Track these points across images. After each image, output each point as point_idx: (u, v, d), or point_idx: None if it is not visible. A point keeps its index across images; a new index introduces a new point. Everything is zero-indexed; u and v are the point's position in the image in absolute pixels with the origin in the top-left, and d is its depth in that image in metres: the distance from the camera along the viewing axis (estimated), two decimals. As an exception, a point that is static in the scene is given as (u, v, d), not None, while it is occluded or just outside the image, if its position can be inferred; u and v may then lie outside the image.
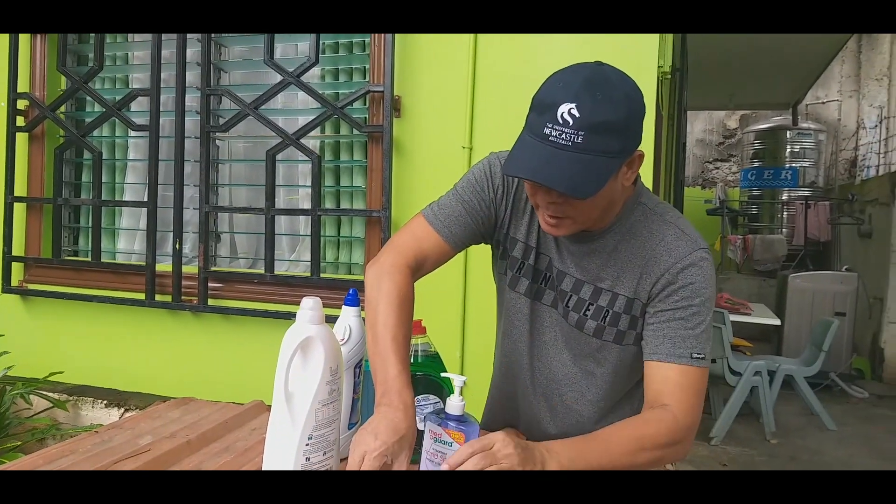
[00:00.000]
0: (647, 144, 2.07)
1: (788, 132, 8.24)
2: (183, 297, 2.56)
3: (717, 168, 9.93)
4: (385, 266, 1.20)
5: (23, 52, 2.76)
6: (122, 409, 1.65)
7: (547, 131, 1.00)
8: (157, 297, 2.58)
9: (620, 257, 1.18)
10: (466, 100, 2.23)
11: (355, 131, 2.40)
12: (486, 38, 2.22)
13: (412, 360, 1.26)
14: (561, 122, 0.99)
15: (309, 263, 2.42)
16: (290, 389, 1.09)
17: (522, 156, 1.03)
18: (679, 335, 1.13)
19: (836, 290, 6.04)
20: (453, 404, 1.12)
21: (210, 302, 2.53)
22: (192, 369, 2.49)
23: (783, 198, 8.31)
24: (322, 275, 2.43)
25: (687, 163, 9.92)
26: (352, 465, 1.02)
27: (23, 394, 1.55)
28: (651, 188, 2.09)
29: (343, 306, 1.31)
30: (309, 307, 1.11)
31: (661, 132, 3.24)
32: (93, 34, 2.69)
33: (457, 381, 1.13)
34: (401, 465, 1.04)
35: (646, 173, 2.09)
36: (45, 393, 1.56)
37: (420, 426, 1.15)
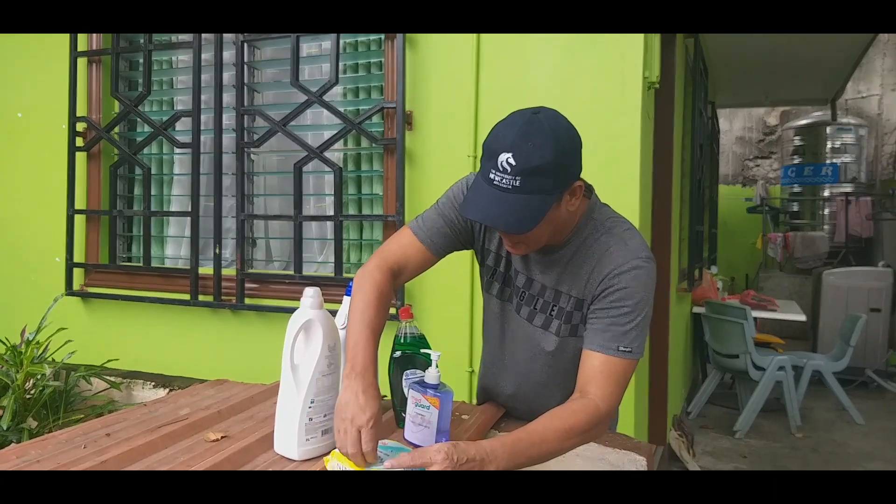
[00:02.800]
0: (631, 151, 2.25)
1: (828, 128, 8.16)
2: (223, 297, 2.84)
3: (758, 165, 9.87)
4: (369, 268, 1.43)
5: (81, 80, 3.09)
6: (167, 389, 1.91)
7: (492, 176, 1.20)
8: (200, 298, 2.87)
9: (575, 265, 1.39)
10: (470, 113, 2.44)
11: (373, 144, 2.63)
12: (487, 57, 2.43)
13: (401, 341, 1.48)
14: (501, 168, 1.19)
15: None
16: (295, 362, 1.33)
17: (474, 199, 1.24)
18: (611, 330, 1.32)
19: (871, 287, 6.03)
20: (431, 374, 1.34)
21: (247, 301, 2.80)
22: (229, 358, 2.76)
23: (824, 194, 8.23)
24: (346, 274, 2.68)
25: (726, 161, 9.91)
26: (348, 436, 1.18)
27: (84, 376, 1.82)
28: (638, 190, 2.26)
29: (345, 297, 1.53)
30: (310, 295, 1.35)
31: (659, 137, 3.40)
32: (141, 64, 2.99)
33: (433, 356, 1.36)
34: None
35: (630, 175, 2.26)
36: (103, 376, 1.84)
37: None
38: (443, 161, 2.49)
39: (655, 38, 2.37)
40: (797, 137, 8.37)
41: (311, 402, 1.32)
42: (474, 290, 2.45)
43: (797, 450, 4.12)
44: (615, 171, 2.28)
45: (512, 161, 1.18)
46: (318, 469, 1.25)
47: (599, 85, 2.30)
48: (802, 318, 4.65)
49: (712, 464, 3.83)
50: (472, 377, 2.42)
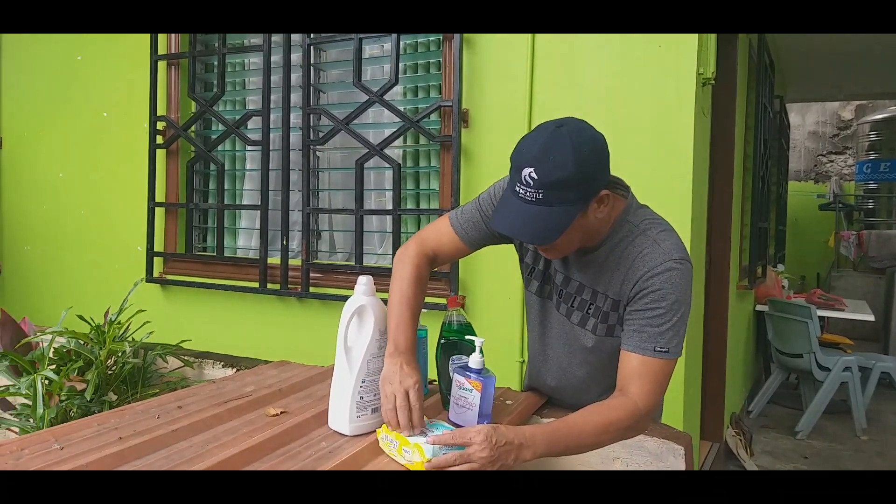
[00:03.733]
0: (684, 148, 2.28)
1: (906, 122, 7.83)
2: (289, 286, 3.00)
3: (832, 161, 9.53)
4: (409, 252, 1.55)
5: (161, 82, 3.30)
6: (235, 369, 2.07)
7: (517, 189, 1.27)
8: (269, 286, 3.04)
9: (610, 266, 1.43)
10: (525, 110, 2.50)
11: (430, 141, 2.73)
12: (541, 56, 2.49)
13: (449, 328, 1.58)
14: (525, 182, 1.25)
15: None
16: (348, 345, 1.44)
17: (502, 210, 1.32)
18: (646, 331, 1.36)
19: (947, 287, 5.78)
20: (474, 360, 1.43)
21: (311, 290, 2.95)
22: (293, 342, 2.92)
23: (901, 191, 7.90)
24: (403, 266, 2.79)
25: (798, 156, 9.60)
26: (397, 396, 1.32)
27: (161, 354, 1.99)
28: (691, 186, 2.29)
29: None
30: (363, 283, 1.46)
31: (719, 133, 3.38)
32: (216, 66, 3.18)
33: (477, 342, 1.45)
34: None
35: (683, 171, 2.28)
36: (178, 355, 2.01)
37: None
38: (497, 157, 2.57)
39: (711, 35, 2.39)
40: (873, 132, 8.05)
41: (363, 382, 1.42)
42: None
43: (861, 452, 4.02)
44: (668, 168, 2.31)
45: (534, 175, 1.23)
46: (368, 444, 1.35)
47: (653, 81, 2.33)
48: (871, 318, 4.52)
49: (770, 463, 3.78)
50: (521, 367, 2.50)
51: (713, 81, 2.41)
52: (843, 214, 8.43)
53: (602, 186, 1.31)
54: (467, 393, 1.43)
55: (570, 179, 1.23)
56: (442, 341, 1.58)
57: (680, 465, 1.49)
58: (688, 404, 2.35)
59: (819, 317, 4.94)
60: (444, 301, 1.62)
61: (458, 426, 1.44)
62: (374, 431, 1.40)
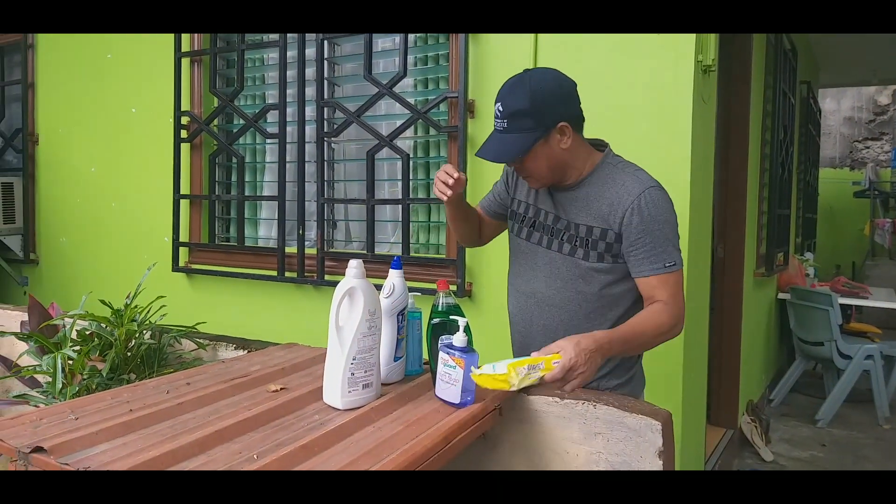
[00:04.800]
0: (682, 135, 2.31)
1: (946, 106, 7.63)
2: (306, 274, 3.11)
3: (868, 147, 9.32)
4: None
5: (184, 78, 3.43)
6: (246, 351, 2.18)
7: (494, 123, 1.62)
8: (287, 274, 3.15)
9: (594, 199, 1.65)
10: (528, 100, 2.56)
11: (439, 132, 2.81)
12: (543, 47, 2.55)
13: (438, 310, 1.66)
14: (496, 115, 1.60)
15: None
16: (340, 324, 1.53)
17: (485, 142, 1.65)
18: (651, 254, 1.58)
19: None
20: (458, 338, 1.52)
21: (327, 277, 3.06)
22: (309, 328, 3.03)
23: (940, 178, 7.71)
24: (414, 254, 2.88)
25: (833, 143, 9.42)
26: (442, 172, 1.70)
27: (176, 336, 2.12)
28: (689, 172, 2.32)
29: (390, 269, 1.72)
30: (353, 266, 1.55)
31: (733, 120, 3.38)
32: (236, 62, 3.30)
33: (461, 322, 1.53)
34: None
35: (682, 157, 2.32)
36: (192, 337, 2.13)
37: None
38: (502, 147, 2.63)
39: (711, 23, 2.41)
40: (910, 117, 7.87)
41: (353, 360, 1.51)
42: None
43: (882, 441, 3.99)
44: (667, 154, 2.34)
45: (500, 108, 1.58)
46: (356, 416, 1.44)
47: (652, 69, 2.37)
48: (895, 306, 4.47)
49: (787, 451, 3.78)
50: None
51: (714, 69, 2.43)
52: (878, 202, 8.27)
53: (560, 120, 1.58)
54: (451, 370, 1.51)
55: (525, 110, 1.55)
56: (432, 322, 1.66)
57: (658, 441, 1.54)
58: (687, 386, 2.39)
59: (847, 305, 4.90)
60: (434, 286, 1.70)
61: (444, 402, 1.53)
62: (365, 405, 1.49)
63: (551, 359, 1.51)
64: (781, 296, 4.81)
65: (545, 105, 1.55)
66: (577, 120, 1.64)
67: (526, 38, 2.57)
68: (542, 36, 2.55)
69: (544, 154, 1.60)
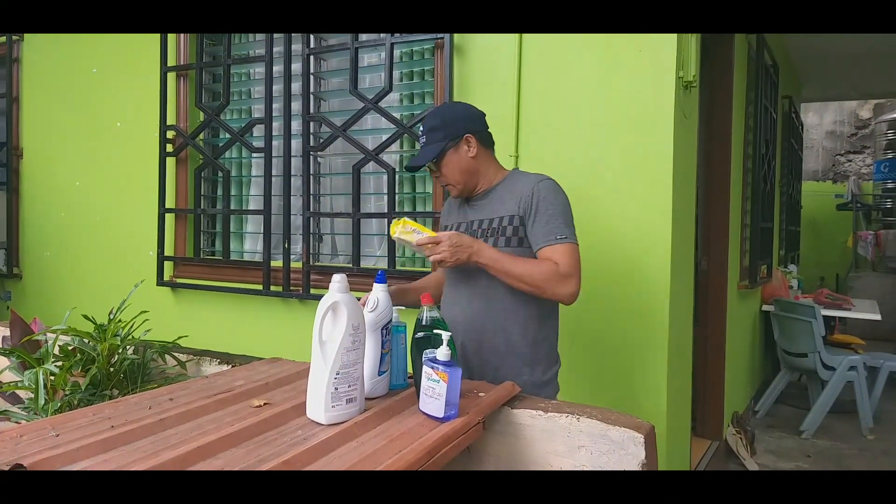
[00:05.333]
0: (664, 150, 2.34)
1: (925, 121, 7.74)
2: (291, 288, 3.11)
3: (850, 161, 9.44)
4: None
5: (170, 92, 3.44)
6: (230, 365, 2.17)
7: (419, 142, 2.01)
8: (272, 288, 3.15)
9: (504, 197, 1.96)
10: (513, 115, 2.59)
11: (424, 146, 2.82)
12: (528, 62, 2.57)
13: (422, 324, 1.66)
14: (419, 135, 2.01)
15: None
16: (323, 339, 1.53)
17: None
18: (545, 229, 1.86)
19: (964, 287, 5.72)
20: (441, 352, 1.52)
21: (312, 291, 3.06)
22: (294, 342, 3.02)
23: (919, 191, 7.81)
24: (400, 267, 2.88)
25: (815, 156, 9.54)
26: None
27: (159, 352, 2.11)
28: (671, 187, 2.35)
29: (374, 283, 1.72)
30: (337, 281, 1.55)
31: (715, 135, 3.42)
32: (222, 77, 3.30)
33: (444, 336, 1.54)
34: None
35: (663, 171, 2.35)
36: (174, 353, 2.12)
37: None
38: (487, 161, 2.65)
39: (692, 38, 2.45)
40: (891, 131, 7.99)
41: (337, 374, 1.51)
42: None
43: (866, 451, 4.02)
44: (648, 169, 2.37)
45: (421, 128, 1.99)
46: (338, 432, 1.44)
47: (634, 86, 2.40)
48: (877, 317, 4.51)
49: (773, 462, 3.80)
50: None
51: (695, 84, 2.46)
52: (861, 214, 8.37)
53: (466, 132, 1.94)
54: (435, 384, 1.51)
55: (438, 125, 1.95)
56: (416, 336, 1.66)
57: (640, 454, 1.55)
58: (672, 397, 2.40)
59: (830, 317, 4.94)
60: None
61: (427, 416, 1.53)
62: (349, 420, 1.49)
63: (433, 234, 1.83)
64: (765, 308, 4.85)
65: (454, 120, 1.96)
66: (483, 136, 1.99)
67: (510, 54, 2.59)
68: (525, 52, 2.58)
69: (455, 160, 1.95)
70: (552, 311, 2.01)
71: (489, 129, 2.03)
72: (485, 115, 2.03)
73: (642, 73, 2.38)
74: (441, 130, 1.93)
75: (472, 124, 1.97)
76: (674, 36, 2.34)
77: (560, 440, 1.63)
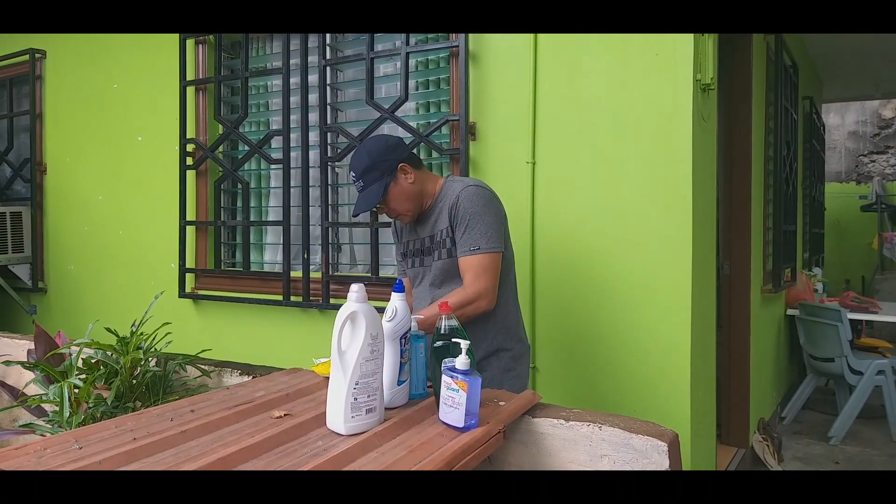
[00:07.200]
0: (683, 153, 2.32)
1: (951, 119, 7.61)
2: (311, 298, 3.12)
3: (873, 161, 9.30)
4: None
5: (189, 106, 3.48)
6: (251, 376, 2.18)
7: (356, 186, 2.03)
8: (292, 298, 3.16)
9: (440, 211, 2.02)
10: (529, 122, 2.58)
11: (441, 154, 2.82)
12: (543, 68, 2.56)
13: (438, 333, 1.65)
14: (353, 180, 2.03)
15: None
16: (342, 349, 1.53)
17: (355, 204, 2.04)
18: (462, 240, 1.95)
19: None
20: (461, 361, 1.51)
21: (332, 301, 3.06)
22: (315, 352, 3.01)
23: (947, 190, 7.67)
24: (418, 276, 2.88)
25: (838, 157, 9.41)
26: None
27: (181, 364, 2.13)
28: (691, 191, 2.32)
29: (392, 292, 1.72)
30: (355, 290, 1.55)
31: (735, 138, 3.38)
32: (239, 90, 3.33)
33: (463, 345, 1.53)
34: None
35: (683, 176, 2.32)
36: (196, 364, 2.13)
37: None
38: (504, 168, 2.64)
39: (709, 40, 2.42)
40: (916, 130, 7.85)
41: (356, 385, 1.51)
42: (535, 292, 2.58)
43: (896, 458, 3.94)
44: (668, 173, 2.35)
45: (353, 174, 2.02)
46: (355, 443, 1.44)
47: (651, 90, 2.38)
48: (904, 320, 4.43)
49: (800, 469, 3.73)
50: (533, 373, 2.55)
51: (712, 87, 2.44)
52: (886, 215, 8.23)
53: (397, 163, 1.99)
54: (454, 393, 1.50)
55: (369, 166, 1.98)
56: (435, 345, 1.65)
57: (664, 462, 1.53)
58: (696, 404, 2.37)
59: (857, 320, 4.86)
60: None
61: (448, 426, 1.52)
62: (369, 430, 1.48)
63: None
64: (790, 312, 4.78)
65: (381, 157, 1.99)
66: (412, 159, 2.05)
67: (525, 61, 2.59)
68: (540, 58, 2.57)
69: (398, 191, 2.00)
70: (498, 310, 2.03)
71: (413, 150, 2.13)
72: (402, 138, 2.17)
73: (659, 76, 2.36)
74: (375, 170, 1.97)
75: (400, 153, 2.03)
76: (690, 38, 2.32)
77: (582, 449, 1.61)
